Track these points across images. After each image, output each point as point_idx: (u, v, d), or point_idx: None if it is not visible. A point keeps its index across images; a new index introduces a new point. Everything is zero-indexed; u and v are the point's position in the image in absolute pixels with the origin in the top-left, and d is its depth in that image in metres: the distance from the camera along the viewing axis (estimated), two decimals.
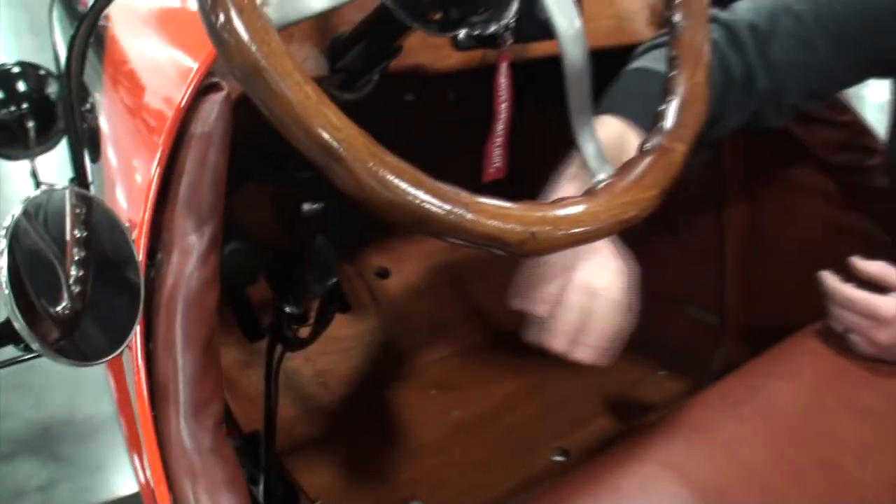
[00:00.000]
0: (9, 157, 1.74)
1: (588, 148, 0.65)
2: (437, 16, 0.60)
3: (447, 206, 0.49)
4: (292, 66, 0.46)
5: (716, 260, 1.34)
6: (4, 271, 0.47)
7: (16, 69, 1.63)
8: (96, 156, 1.00)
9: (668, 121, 0.65)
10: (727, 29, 0.91)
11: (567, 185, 0.76)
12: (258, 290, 0.89)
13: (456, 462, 1.15)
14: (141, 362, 0.62)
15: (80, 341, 0.53)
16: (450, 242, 0.52)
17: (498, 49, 0.84)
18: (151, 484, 0.59)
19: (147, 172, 0.67)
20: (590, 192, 0.60)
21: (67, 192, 0.59)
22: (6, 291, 0.47)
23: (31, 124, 1.62)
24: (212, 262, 0.65)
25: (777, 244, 1.26)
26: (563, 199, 0.57)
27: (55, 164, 1.57)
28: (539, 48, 0.86)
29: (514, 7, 0.64)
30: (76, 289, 0.53)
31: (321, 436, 1.21)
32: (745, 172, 1.27)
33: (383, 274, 1.48)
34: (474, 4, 0.61)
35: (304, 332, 0.90)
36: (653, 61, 0.86)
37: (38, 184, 1.53)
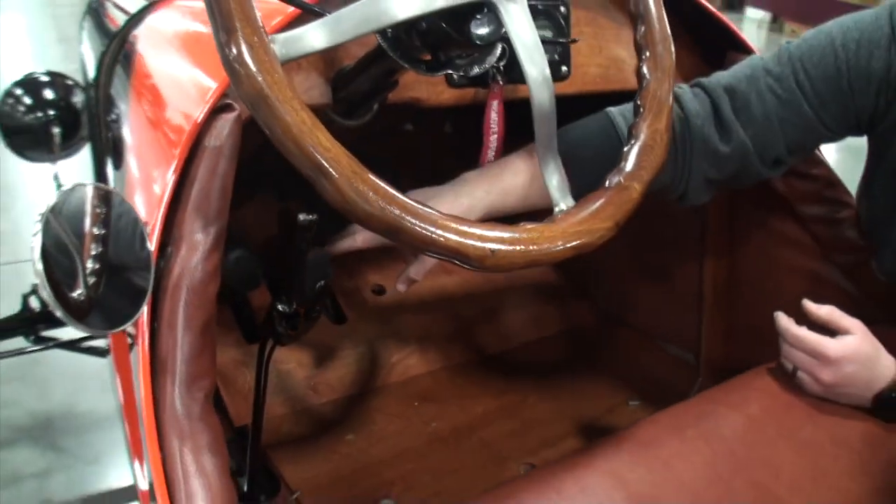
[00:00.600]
0: (32, 160, 1.81)
1: (552, 180, 0.71)
2: (426, 57, 0.68)
3: (416, 221, 0.56)
4: (291, 95, 0.53)
5: (695, 301, 1.36)
6: (38, 251, 0.56)
7: (44, 77, 1.70)
8: (119, 163, 1.06)
9: (629, 163, 0.71)
10: (703, 90, 0.96)
11: None
12: (260, 296, 0.94)
13: (430, 468, 1.19)
14: (146, 338, 0.70)
15: (95, 313, 0.62)
16: (423, 253, 0.59)
17: (488, 88, 0.92)
18: (151, 484, 0.66)
19: (164, 179, 0.75)
20: (550, 220, 0.66)
21: (90, 188, 0.67)
22: (39, 266, 0.56)
23: (56, 130, 1.69)
24: (214, 258, 0.73)
25: (754, 289, 1.29)
26: (524, 223, 0.63)
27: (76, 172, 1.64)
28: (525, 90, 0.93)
29: (497, 53, 0.72)
30: (95, 270, 0.62)
31: (307, 434, 1.25)
32: (728, 219, 1.29)
33: (379, 291, 1.53)
34: (459, 49, 0.67)
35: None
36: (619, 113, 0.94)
37: (59, 186, 1.61)
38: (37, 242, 0.57)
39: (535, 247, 0.61)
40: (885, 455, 0.86)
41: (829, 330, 0.90)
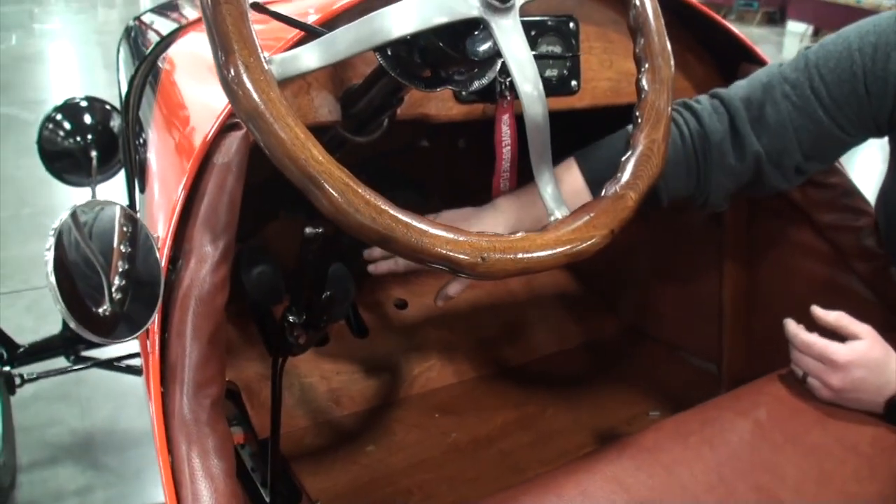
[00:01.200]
0: (72, 184, 1.87)
1: (546, 189, 0.73)
2: (426, 74, 0.70)
3: (406, 230, 0.58)
4: (285, 112, 0.56)
5: (716, 312, 1.36)
6: (51, 263, 0.60)
7: (83, 103, 1.77)
8: (144, 182, 1.10)
9: (626, 172, 0.72)
10: (721, 102, 0.98)
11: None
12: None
13: (448, 478, 1.20)
14: (157, 346, 0.73)
15: (106, 324, 0.65)
16: (415, 262, 0.61)
17: (495, 103, 0.94)
18: None
19: (175, 193, 0.79)
20: (544, 228, 0.67)
21: (118, 208, 0.71)
22: (52, 279, 0.60)
23: (94, 154, 1.76)
24: (222, 270, 0.76)
25: (773, 299, 1.28)
26: (517, 232, 0.64)
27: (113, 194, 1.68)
28: None
29: (496, 68, 0.74)
30: (113, 288, 0.65)
31: (328, 446, 1.27)
32: (746, 229, 1.29)
33: (401, 305, 1.55)
34: (457, 66, 0.69)
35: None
36: None
37: None
38: (50, 256, 0.60)
39: (527, 254, 0.62)
40: (895, 460, 0.85)
41: (841, 336, 0.90)
